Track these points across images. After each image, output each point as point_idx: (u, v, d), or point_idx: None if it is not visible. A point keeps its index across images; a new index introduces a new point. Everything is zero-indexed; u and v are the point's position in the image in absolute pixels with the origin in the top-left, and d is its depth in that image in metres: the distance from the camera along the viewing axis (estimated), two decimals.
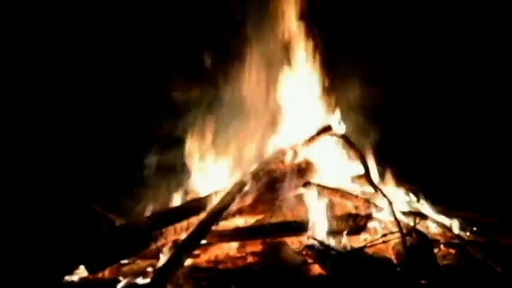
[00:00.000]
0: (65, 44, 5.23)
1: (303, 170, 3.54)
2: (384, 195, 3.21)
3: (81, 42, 5.22)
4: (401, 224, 2.96)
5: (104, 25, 5.17)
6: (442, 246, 3.10)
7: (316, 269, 2.79)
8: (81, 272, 2.81)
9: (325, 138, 3.77)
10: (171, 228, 3.03)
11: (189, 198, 3.55)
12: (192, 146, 3.90)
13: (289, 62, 4.11)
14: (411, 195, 3.63)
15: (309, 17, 4.12)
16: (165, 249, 2.96)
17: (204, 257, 3.04)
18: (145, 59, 5.09)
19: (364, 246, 2.91)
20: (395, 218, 3.00)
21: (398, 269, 2.78)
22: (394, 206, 3.12)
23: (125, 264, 2.96)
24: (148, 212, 3.51)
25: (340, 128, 3.82)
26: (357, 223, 3.14)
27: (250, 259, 2.99)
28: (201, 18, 4.84)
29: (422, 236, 2.99)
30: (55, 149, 4.77)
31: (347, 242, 3.04)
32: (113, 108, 5.01)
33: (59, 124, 4.98)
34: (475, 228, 3.37)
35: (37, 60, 5.14)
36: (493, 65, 5.28)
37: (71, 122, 5.01)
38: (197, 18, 4.87)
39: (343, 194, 3.39)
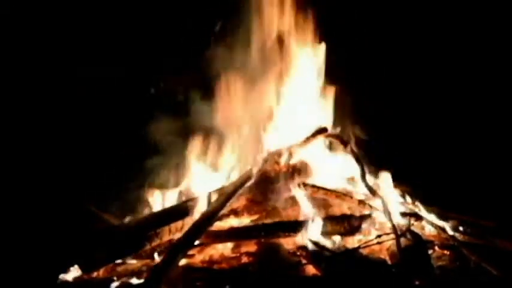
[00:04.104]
0: (64, 45, 5.24)
1: (298, 171, 3.55)
2: (379, 197, 3.21)
3: (81, 44, 5.23)
4: (396, 225, 2.96)
5: (104, 27, 5.18)
6: (436, 248, 3.10)
7: (311, 269, 2.79)
8: (76, 271, 2.81)
9: (320, 139, 3.78)
10: (166, 229, 3.04)
11: (184, 198, 3.56)
12: (187, 146, 3.90)
13: (286, 63, 4.12)
14: (406, 196, 3.64)
15: (308, 17, 4.13)
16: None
17: (199, 257, 3.04)
18: (142, 58, 5.11)
19: (359, 247, 2.91)
20: (390, 219, 3.00)
21: (392, 270, 2.79)
22: (389, 207, 3.13)
23: (119, 264, 2.96)
24: (143, 212, 3.51)
25: (335, 129, 3.83)
26: (351, 224, 3.14)
27: (245, 259, 2.98)
28: (198, 18, 4.86)
29: (417, 237, 2.99)
30: (51, 149, 4.78)
31: (341, 242, 3.05)
32: (109, 108, 5.02)
33: (56, 124, 4.99)
34: (469, 230, 3.37)
35: (37, 62, 5.15)
36: (489, 65, 5.28)
37: (68, 122, 5.02)
38: (195, 18, 4.88)
39: (338, 195, 3.39)
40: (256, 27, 4.11)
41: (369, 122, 4.26)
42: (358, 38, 4.90)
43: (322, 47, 4.11)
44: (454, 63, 5.31)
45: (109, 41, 5.23)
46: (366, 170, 3.49)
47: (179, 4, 5.04)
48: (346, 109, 4.17)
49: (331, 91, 4.07)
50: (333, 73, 4.19)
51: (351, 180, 3.63)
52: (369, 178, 3.49)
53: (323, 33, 4.16)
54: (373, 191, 3.27)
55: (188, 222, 3.05)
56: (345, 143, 3.65)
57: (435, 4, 5.36)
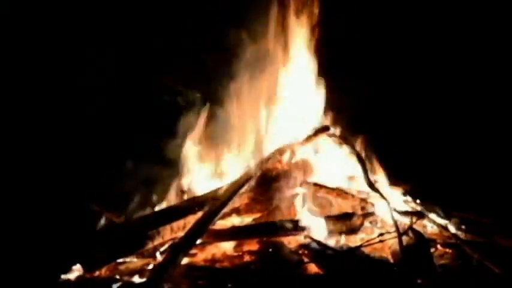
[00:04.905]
0: (65, 45, 5.24)
1: (300, 170, 3.55)
2: (381, 195, 3.21)
3: (82, 44, 5.23)
4: (398, 224, 2.96)
5: (104, 26, 5.18)
6: (438, 246, 3.10)
7: (313, 268, 2.79)
8: (78, 270, 2.81)
9: (322, 138, 3.78)
10: (168, 227, 3.03)
11: (186, 197, 3.56)
12: (189, 145, 3.90)
13: (288, 61, 4.11)
14: (408, 194, 3.64)
15: (309, 17, 4.13)
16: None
17: (201, 256, 3.03)
18: (143, 58, 5.11)
19: (361, 246, 2.91)
20: (393, 218, 3.00)
21: (394, 268, 2.78)
22: (391, 206, 3.13)
23: (121, 263, 2.96)
24: (145, 211, 3.51)
25: (337, 128, 3.83)
26: (353, 222, 3.14)
27: (247, 258, 2.98)
28: (197, 16, 4.86)
29: (419, 236, 2.99)
30: (53, 148, 4.78)
31: (343, 241, 3.05)
32: (111, 107, 5.02)
33: (57, 123, 4.99)
34: (471, 228, 3.36)
35: (37, 61, 5.15)
36: (491, 63, 5.27)
37: (69, 121, 5.02)
38: (194, 16, 4.88)
39: (340, 193, 3.40)
40: (256, 27, 4.10)
41: (369, 121, 4.26)
42: (358, 37, 4.89)
43: (323, 46, 4.11)
44: (454, 61, 5.30)
45: (109, 40, 5.23)
46: (368, 168, 3.49)
47: (179, 4, 5.05)
48: (347, 107, 4.17)
49: (331, 89, 4.07)
50: (334, 72, 4.19)
51: (353, 178, 3.63)
52: (371, 176, 3.48)
53: (323, 32, 4.15)
54: (375, 189, 3.27)
55: (190, 221, 3.05)
56: (347, 142, 3.65)
57: (435, 3, 5.35)
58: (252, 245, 3.07)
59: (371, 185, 3.33)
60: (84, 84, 5.09)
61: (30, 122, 4.97)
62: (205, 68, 4.38)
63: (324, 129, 3.76)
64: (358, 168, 3.50)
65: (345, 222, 3.13)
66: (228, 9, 4.33)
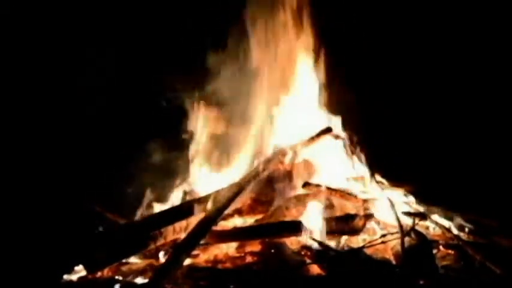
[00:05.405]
0: (65, 45, 5.23)
1: (302, 171, 3.55)
2: (385, 196, 3.21)
3: (82, 44, 5.23)
4: (401, 225, 2.97)
5: (103, 27, 5.18)
6: (441, 247, 3.10)
7: (315, 269, 2.78)
8: (80, 271, 2.80)
9: (325, 139, 3.78)
10: (170, 228, 3.04)
11: (188, 198, 3.56)
12: (191, 146, 3.91)
13: (290, 63, 4.12)
14: (410, 195, 3.64)
15: (311, 18, 4.13)
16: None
17: (203, 257, 3.03)
18: (144, 58, 5.11)
19: (363, 247, 2.91)
20: (397, 219, 3.00)
21: (396, 269, 2.79)
22: (394, 207, 3.13)
23: (124, 264, 2.95)
24: (147, 212, 3.51)
25: (341, 129, 3.84)
26: (355, 223, 3.14)
27: (249, 259, 2.97)
28: (200, 16, 4.86)
29: (421, 237, 2.99)
30: (55, 149, 4.77)
31: (346, 242, 3.05)
32: (112, 109, 5.02)
33: (58, 124, 4.99)
34: (474, 229, 3.37)
35: (37, 61, 5.15)
36: (490, 64, 5.29)
37: (71, 122, 5.02)
38: (194, 16, 4.88)
39: (343, 194, 3.39)
40: (256, 28, 4.10)
41: (371, 122, 4.26)
42: (358, 39, 4.90)
43: (324, 47, 4.12)
44: (454, 63, 5.31)
45: (109, 40, 5.23)
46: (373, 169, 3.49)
47: (179, 4, 5.05)
48: (347, 109, 4.17)
49: (334, 91, 4.08)
50: (334, 73, 4.20)
51: (355, 179, 3.64)
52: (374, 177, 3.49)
53: (324, 34, 4.16)
54: (379, 190, 3.27)
55: (192, 221, 3.05)
56: (352, 143, 3.66)
57: (435, 4, 5.36)
58: (254, 246, 3.06)
59: (375, 186, 3.33)
60: (84, 84, 5.08)
61: (31, 123, 4.97)
62: (205, 68, 4.37)
63: (326, 130, 3.76)
64: (361, 169, 3.50)
65: (347, 223, 3.13)
66: (228, 9, 4.32)
